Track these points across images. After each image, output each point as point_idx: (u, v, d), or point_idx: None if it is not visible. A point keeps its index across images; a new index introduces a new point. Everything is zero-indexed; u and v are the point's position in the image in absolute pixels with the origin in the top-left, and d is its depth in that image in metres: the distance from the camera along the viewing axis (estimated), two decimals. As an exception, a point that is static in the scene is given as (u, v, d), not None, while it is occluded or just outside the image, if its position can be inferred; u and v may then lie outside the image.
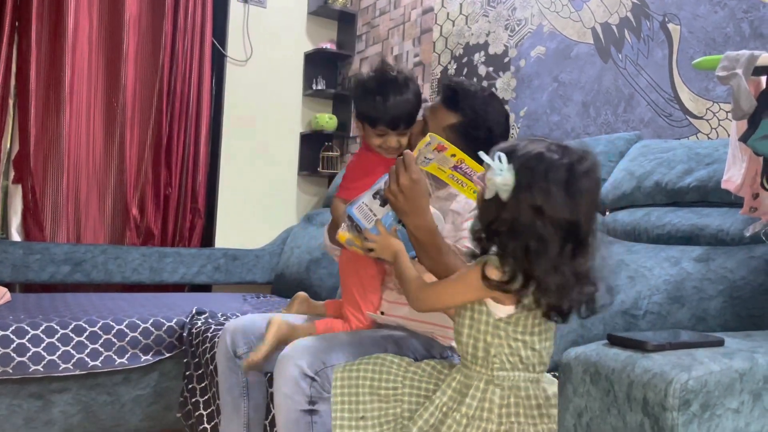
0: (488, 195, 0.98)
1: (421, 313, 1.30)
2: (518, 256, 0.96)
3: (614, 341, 0.87)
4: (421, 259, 1.27)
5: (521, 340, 1.02)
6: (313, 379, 1.27)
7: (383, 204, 1.27)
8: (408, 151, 1.22)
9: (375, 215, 1.27)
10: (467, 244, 1.36)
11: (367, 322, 1.50)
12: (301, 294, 1.68)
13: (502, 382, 1.03)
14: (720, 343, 0.87)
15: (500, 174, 0.96)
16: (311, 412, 1.27)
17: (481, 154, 1.00)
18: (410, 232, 1.25)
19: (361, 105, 1.48)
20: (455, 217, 1.43)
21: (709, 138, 1.92)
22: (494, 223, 0.98)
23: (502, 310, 1.02)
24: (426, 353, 1.42)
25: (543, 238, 0.95)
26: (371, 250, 1.26)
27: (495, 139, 1.39)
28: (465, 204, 1.42)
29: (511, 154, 0.98)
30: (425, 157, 1.22)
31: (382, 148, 1.49)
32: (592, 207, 0.98)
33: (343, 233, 1.32)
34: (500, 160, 0.96)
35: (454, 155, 1.20)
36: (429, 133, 1.21)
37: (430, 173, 1.24)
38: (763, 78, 1.13)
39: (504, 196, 0.96)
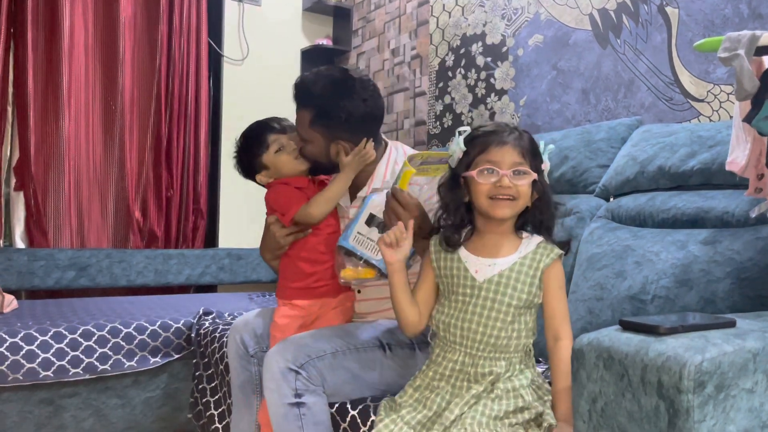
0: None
1: None
2: None
3: (626, 326, 0.87)
4: None
5: None
6: (297, 372, 1.29)
7: (383, 230, 1.28)
8: (396, 187, 1.27)
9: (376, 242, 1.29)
10: None
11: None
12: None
13: None
14: (732, 324, 0.87)
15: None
16: (299, 404, 1.28)
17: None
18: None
19: (248, 144, 1.60)
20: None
21: (710, 120, 1.91)
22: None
23: None
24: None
25: None
26: (383, 275, 1.28)
27: (357, 117, 1.47)
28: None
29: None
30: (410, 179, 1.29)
31: (283, 154, 1.57)
32: None
33: (347, 271, 1.32)
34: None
35: (418, 158, 1.28)
36: (405, 161, 1.28)
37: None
38: (766, 58, 1.12)
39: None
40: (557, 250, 1.16)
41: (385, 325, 1.47)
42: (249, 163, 1.61)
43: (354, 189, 1.57)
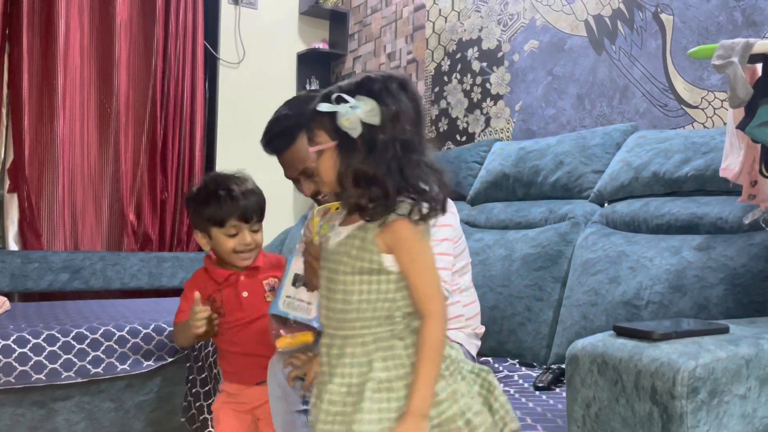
0: (355, 133, 0.93)
1: None
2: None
3: (620, 332, 0.87)
4: None
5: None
6: (303, 380, 1.27)
7: (312, 288, 1.23)
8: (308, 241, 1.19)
9: (308, 302, 1.23)
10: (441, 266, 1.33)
11: None
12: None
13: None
14: (725, 330, 0.88)
15: (358, 106, 0.93)
16: (306, 412, 1.27)
17: (321, 106, 0.95)
18: None
19: (205, 210, 1.43)
20: None
21: (705, 127, 1.92)
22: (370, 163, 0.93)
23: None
24: None
25: (409, 142, 0.94)
26: (319, 334, 1.17)
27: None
28: None
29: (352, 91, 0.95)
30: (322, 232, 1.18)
31: (237, 252, 1.46)
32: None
33: (284, 339, 1.25)
34: (346, 100, 0.94)
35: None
36: (314, 213, 1.19)
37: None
38: (759, 65, 1.13)
39: (376, 120, 0.92)
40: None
41: None
42: (219, 209, 1.44)
43: None
